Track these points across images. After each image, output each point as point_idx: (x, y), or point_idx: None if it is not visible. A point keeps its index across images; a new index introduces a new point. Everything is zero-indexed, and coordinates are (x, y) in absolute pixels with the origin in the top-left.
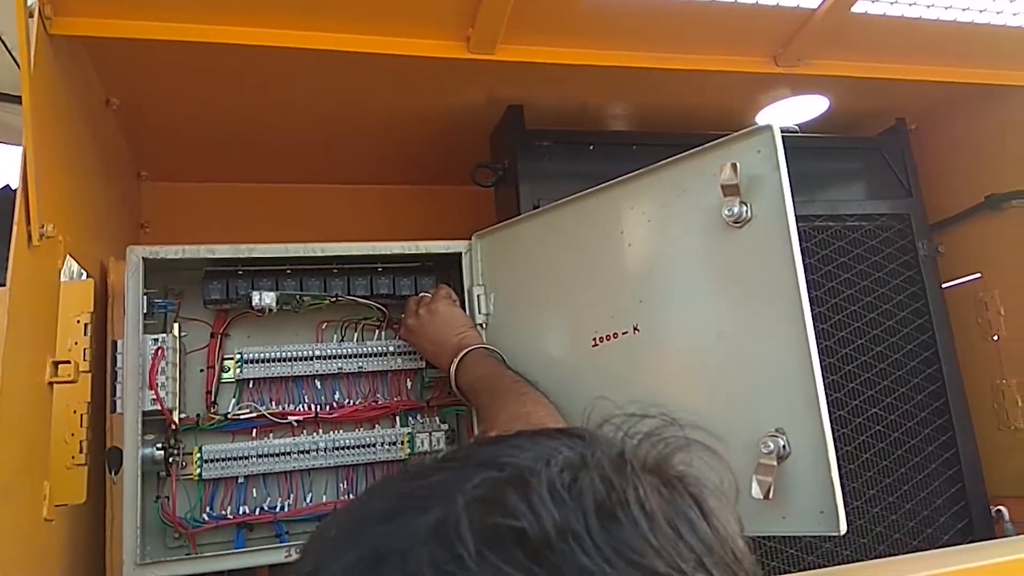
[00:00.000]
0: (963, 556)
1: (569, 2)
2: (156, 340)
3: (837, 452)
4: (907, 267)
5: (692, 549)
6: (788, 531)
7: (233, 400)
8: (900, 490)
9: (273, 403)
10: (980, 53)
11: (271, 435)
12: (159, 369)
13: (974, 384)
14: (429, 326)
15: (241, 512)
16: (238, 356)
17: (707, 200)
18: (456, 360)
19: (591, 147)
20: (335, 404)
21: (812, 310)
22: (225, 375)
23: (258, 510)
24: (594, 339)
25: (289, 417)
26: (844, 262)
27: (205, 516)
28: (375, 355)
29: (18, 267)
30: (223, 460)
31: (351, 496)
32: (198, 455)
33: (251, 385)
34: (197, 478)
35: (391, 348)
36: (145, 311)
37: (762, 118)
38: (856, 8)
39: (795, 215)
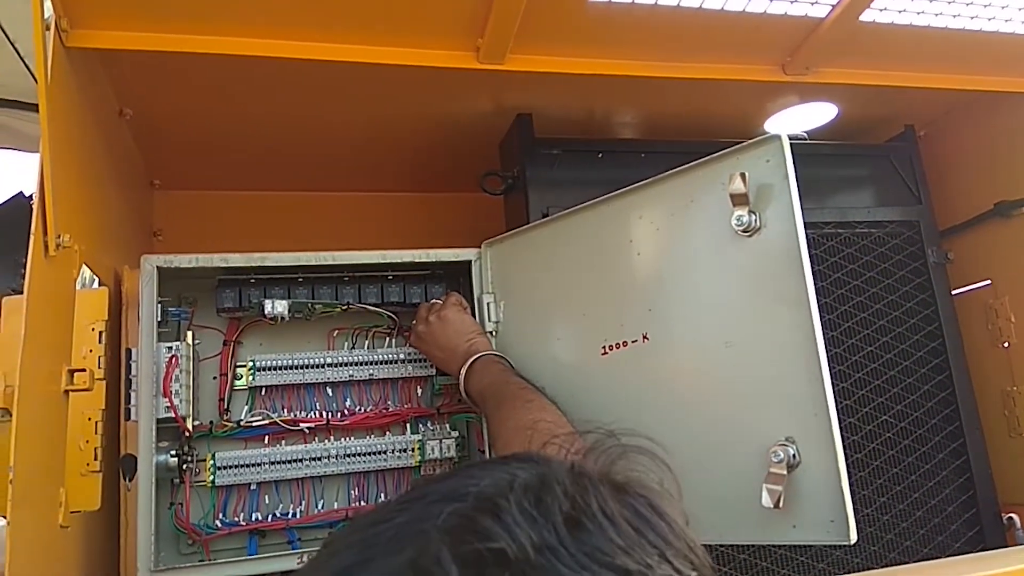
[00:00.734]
0: (975, 564)
1: (577, 12)
2: (170, 348)
3: (847, 460)
4: (916, 274)
5: (653, 544)
6: (798, 540)
7: (246, 407)
8: (911, 498)
9: (285, 410)
10: (988, 60)
11: (283, 442)
12: (173, 377)
13: (984, 391)
14: (439, 333)
15: (254, 519)
16: (251, 364)
17: (716, 209)
18: (465, 366)
19: (600, 155)
20: (346, 411)
21: (821, 318)
22: (238, 382)
23: (270, 517)
24: (604, 347)
25: (301, 424)
26: (853, 269)
27: (218, 523)
28: (386, 362)
29: (35, 276)
30: (236, 467)
31: (362, 503)
32: (211, 462)
33: (263, 392)
34: (210, 485)
35: (402, 355)
36: (159, 319)
37: (771, 125)
38: (864, 17)
39: (804, 223)
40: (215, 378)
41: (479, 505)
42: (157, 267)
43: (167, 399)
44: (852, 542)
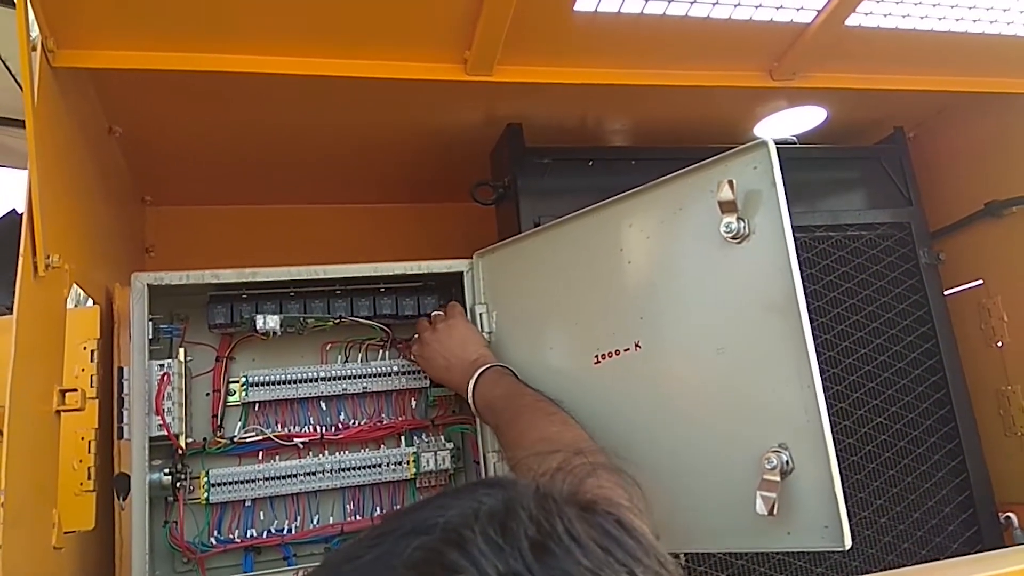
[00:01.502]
0: (974, 566)
1: (564, 22)
2: (162, 366)
3: (843, 463)
4: (909, 275)
5: (622, 563)
6: (793, 547)
7: (239, 423)
8: (907, 499)
9: (279, 425)
10: (975, 61)
11: (277, 457)
12: (165, 395)
13: (979, 391)
14: (446, 340)
15: (249, 535)
16: (243, 379)
17: (705, 217)
18: (475, 377)
19: (591, 163)
20: (340, 425)
21: (814, 321)
22: (231, 398)
23: (265, 533)
24: (596, 356)
25: (295, 439)
26: (846, 272)
27: (213, 540)
28: (379, 375)
29: (24, 297)
30: (230, 484)
31: (358, 517)
32: (205, 479)
33: (257, 408)
34: (204, 502)
35: (395, 368)
36: (150, 337)
37: (760, 130)
38: (850, 21)
39: (795, 226)
40: (208, 394)
41: (445, 537)
42: (148, 285)
43: (159, 417)
44: (846, 548)
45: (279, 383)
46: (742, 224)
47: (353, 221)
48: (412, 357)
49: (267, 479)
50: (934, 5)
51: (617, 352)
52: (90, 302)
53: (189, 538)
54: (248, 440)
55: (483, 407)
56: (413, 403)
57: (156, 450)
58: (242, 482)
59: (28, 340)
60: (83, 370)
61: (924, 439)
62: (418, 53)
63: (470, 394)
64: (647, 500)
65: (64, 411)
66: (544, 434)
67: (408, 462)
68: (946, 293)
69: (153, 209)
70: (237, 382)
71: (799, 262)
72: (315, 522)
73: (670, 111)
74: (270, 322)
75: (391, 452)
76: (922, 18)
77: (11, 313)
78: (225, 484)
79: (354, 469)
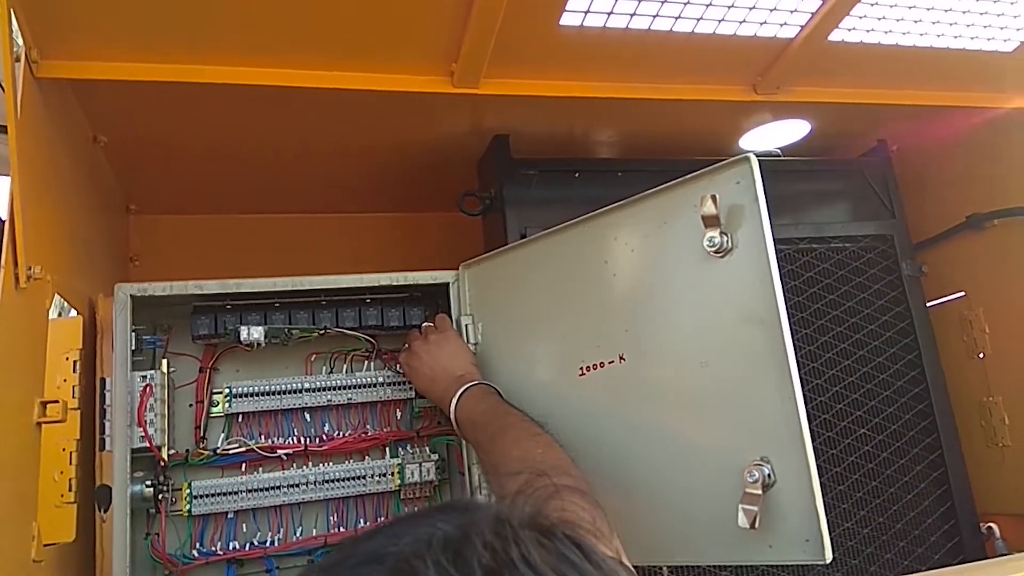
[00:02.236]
0: None
1: (550, 36)
2: (144, 377)
3: (826, 474)
4: (891, 287)
5: None
6: (775, 560)
7: (222, 435)
8: (890, 510)
9: (262, 437)
10: (956, 76)
11: (260, 469)
12: (147, 406)
13: (961, 402)
14: (436, 352)
15: (231, 548)
16: (227, 390)
17: (688, 231)
18: (459, 393)
19: (577, 175)
20: (325, 436)
21: (798, 333)
22: (214, 409)
23: (248, 545)
24: (581, 368)
25: (278, 451)
26: (828, 284)
27: (195, 552)
28: (364, 386)
29: (5, 309)
30: (212, 496)
31: (342, 529)
32: (187, 491)
33: (240, 419)
34: (187, 514)
35: (380, 379)
36: (133, 348)
37: (745, 142)
38: (833, 36)
39: (779, 238)
40: (191, 405)
41: (397, 567)
42: (131, 295)
43: (142, 429)
44: (827, 561)
45: (263, 394)
46: (725, 238)
47: (339, 231)
48: (400, 366)
49: (250, 491)
50: (916, 21)
51: (602, 364)
52: (73, 312)
53: (171, 550)
54: (231, 452)
55: (464, 422)
56: (398, 414)
57: (138, 461)
58: (225, 494)
59: (9, 352)
60: (65, 381)
61: (907, 450)
62: (405, 66)
63: (452, 409)
64: (613, 522)
65: (45, 423)
66: (526, 454)
67: (393, 474)
68: (929, 305)
69: (138, 218)
70: (220, 393)
71: (782, 274)
72: (298, 534)
73: (656, 124)
74: (254, 333)
75: (375, 464)
76: (904, 34)
77: None
78: (208, 496)
79: (338, 481)
